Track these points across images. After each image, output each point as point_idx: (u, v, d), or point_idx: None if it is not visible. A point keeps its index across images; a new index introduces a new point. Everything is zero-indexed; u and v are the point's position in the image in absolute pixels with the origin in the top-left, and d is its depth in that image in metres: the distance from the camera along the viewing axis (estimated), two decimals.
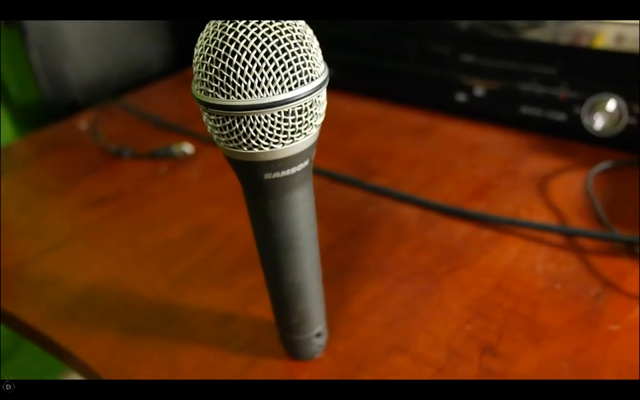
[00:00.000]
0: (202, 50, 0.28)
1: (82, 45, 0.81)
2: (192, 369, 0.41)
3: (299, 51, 0.28)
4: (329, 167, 0.61)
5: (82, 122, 0.75)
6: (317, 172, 0.61)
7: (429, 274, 0.47)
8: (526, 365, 0.38)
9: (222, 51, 0.27)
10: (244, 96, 0.27)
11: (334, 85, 0.79)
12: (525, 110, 0.63)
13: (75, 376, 0.44)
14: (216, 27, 0.28)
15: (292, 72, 0.27)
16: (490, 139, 0.64)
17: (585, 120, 0.59)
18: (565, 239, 0.49)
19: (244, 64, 0.27)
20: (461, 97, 0.67)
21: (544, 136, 0.63)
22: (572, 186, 0.55)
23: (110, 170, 0.66)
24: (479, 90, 0.65)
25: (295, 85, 0.28)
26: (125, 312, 0.46)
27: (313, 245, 0.36)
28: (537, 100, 0.62)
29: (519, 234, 0.50)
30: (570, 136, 0.61)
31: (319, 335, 0.40)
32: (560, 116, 0.61)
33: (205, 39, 0.28)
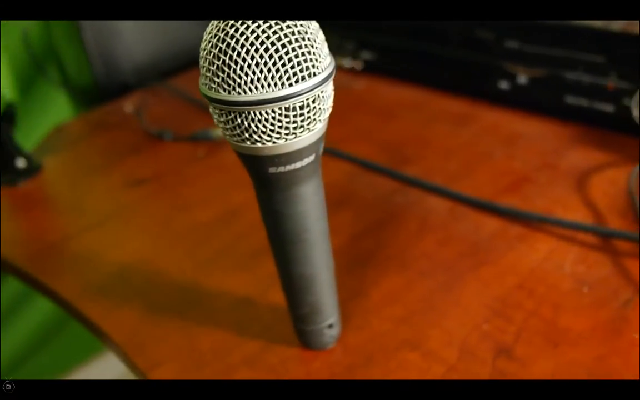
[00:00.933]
0: (206, 45, 0.29)
1: (134, 28, 0.84)
2: (209, 350, 0.42)
3: (300, 46, 0.28)
4: (362, 153, 0.61)
5: (128, 105, 0.78)
6: (349, 158, 0.61)
7: (451, 269, 0.46)
8: (540, 370, 0.37)
9: (224, 47, 0.27)
10: (244, 92, 0.27)
11: (375, 69, 0.78)
12: (570, 99, 0.60)
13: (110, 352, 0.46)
14: (220, 23, 0.28)
15: (292, 67, 0.27)
16: (532, 129, 0.62)
17: (635, 112, 0.55)
18: (599, 239, 0.47)
19: (244, 60, 0.27)
20: (504, 84, 0.65)
21: (589, 128, 0.60)
22: (614, 183, 0.52)
23: (151, 151, 0.68)
24: (523, 78, 0.63)
25: (296, 81, 0.28)
26: (152, 291, 0.48)
27: (323, 237, 0.37)
28: (584, 90, 0.59)
29: (550, 232, 0.48)
30: (617, 129, 0.58)
31: (330, 326, 0.40)
32: (608, 107, 0.57)
33: (209, 34, 0.29)
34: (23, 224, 0.61)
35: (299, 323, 0.40)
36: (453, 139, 0.62)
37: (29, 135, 0.83)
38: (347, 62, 0.79)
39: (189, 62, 0.91)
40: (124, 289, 0.49)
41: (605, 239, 0.46)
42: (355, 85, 0.77)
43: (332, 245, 0.49)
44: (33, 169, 0.66)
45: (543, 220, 0.49)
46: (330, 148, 0.62)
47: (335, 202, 0.55)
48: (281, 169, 0.31)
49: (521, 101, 0.64)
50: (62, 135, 0.77)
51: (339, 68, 0.81)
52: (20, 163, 0.65)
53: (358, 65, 0.78)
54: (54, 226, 0.58)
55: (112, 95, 0.84)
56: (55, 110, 0.93)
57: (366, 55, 0.77)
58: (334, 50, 0.80)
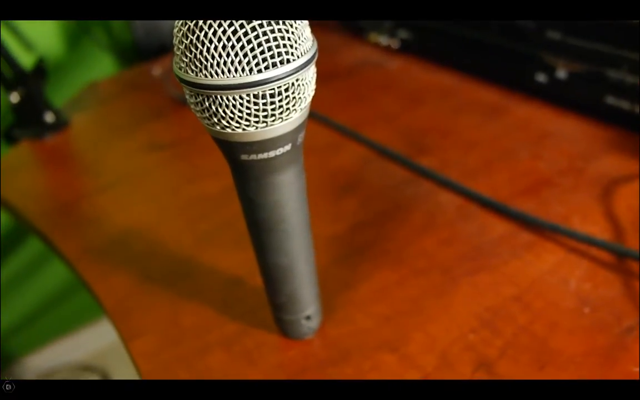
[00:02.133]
0: (178, 21, 0.27)
1: None
2: (189, 326, 0.42)
3: (272, 30, 0.26)
4: (381, 138, 0.59)
5: (156, 68, 0.78)
6: (365, 142, 0.59)
7: (447, 271, 0.44)
8: None
9: (192, 25, 0.26)
10: (211, 75, 0.26)
11: (411, 50, 0.75)
12: (611, 100, 0.55)
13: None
14: None
15: (262, 53, 0.25)
16: (565, 127, 0.58)
17: None
18: (613, 257, 0.43)
19: (210, 41, 0.26)
20: (541, 77, 0.60)
21: (627, 132, 0.55)
22: None
23: (173, 117, 0.68)
24: (562, 72, 0.58)
25: (266, 67, 0.26)
26: (149, 259, 0.49)
27: (302, 228, 0.35)
28: (626, 91, 0.54)
29: (561, 243, 0.45)
30: None
31: (308, 317, 0.39)
32: None
33: None
34: (42, 179, 0.63)
35: (277, 311, 0.39)
36: (478, 131, 0.59)
37: (70, 91, 0.85)
38: (384, 40, 0.76)
39: None
40: (123, 255, 0.49)
41: (619, 257, 0.43)
42: (389, 64, 0.74)
43: (330, 232, 0.49)
44: (60, 124, 0.68)
45: (555, 229, 0.45)
46: (348, 129, 0.60)
47: (342, 186, 0.54)
48: (253, 156, 0.30)
49: (558, 97, 0.60)
50: (93, 92, 0.79)
51: (375, 45, 0.78)
52: (49, 117, 0.67)
53: (394, 43, 0.76)
54: (70, 184, 0.60)
55: (150, 55, 0.85)
56: (96, 67, 0.95)
57: (403, 34, 0.74)
58: (371, 26, 0.78)
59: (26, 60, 0.70)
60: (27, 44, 0.72)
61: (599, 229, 0.46)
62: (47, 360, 1.33)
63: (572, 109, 0.59)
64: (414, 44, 0.73)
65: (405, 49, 0.75)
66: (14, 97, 0.66)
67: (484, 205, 0.49)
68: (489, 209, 0.49)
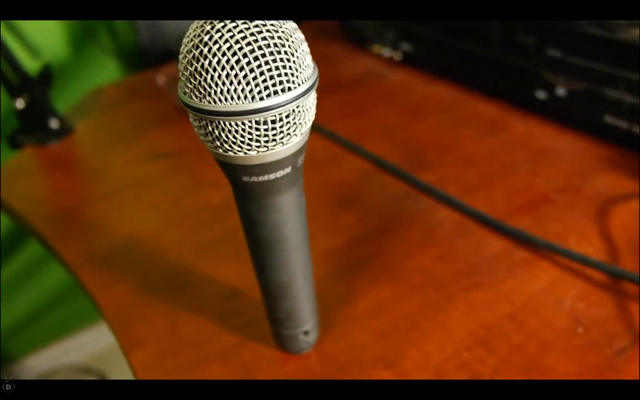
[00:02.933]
0: (183, 47, 0.28)
1: None
2: (188, 338, 0.43)
3: (274, 60, 0.26)
4: (381, 151, 0.59)
5: (160, 77, 0.79)
6: (365, 155, 0.59)
7: (443, 288, 0.44)
8: None
9: (197, 53, 0.27)
10: (214, 101, 0.27)
11: (413, 62, 0.76)
12: (609, 119, 0.56)
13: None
14: (198, 26, 0.28)
15: (264, 81, 0.26)
16: (563, 145, 0.58)
17: None
18: (607, 278, 0.44)
19: (214, 69, 0.26)
20: (541, 94, 0.61)
21: (624, 151, 0.56)
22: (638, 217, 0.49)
23: (177, 126, 0.69)
24: (561, 90, 0.59)
25: (268, 95, 0.27)
26: (150, 269, 0.50)
27: (301, 247, 0.36)
28: (625, 110, 0.55)
29: (556, 262, 0.46)
30: None
31: (306, 333, 0.40)
32: None
33: (187, 37, 0.28)
34: (45, 185, 0.64)
35: (275, 326, 0.40)
36: (478, 146, 0.60)
37: (74, 96, 0.86)
38: (387, 52, 0.77)
39: None
40: (124, 263, 0.50)
41: (612, 278, 0.44)
42: (392, 77, 0.75)
43: (327, 246, 0.49)
44: (65, 131, 0.69)
45: (551, 248, 0.46)
46: (349, 141, 0.61)
47: (341, 200, 0.54)
48: (254, 178, 0.30)
49: (557, 114, 0.61)
50: (98, 98, 0.79)
51: (377, 57, 0.79)
52: (53, 124, 0.68)
53: (397, 55, 0.76)
54: (73, 190, 0.61)
55: (155, 62, 0.85)
56: (101, 73, 0.96)
57: (406, 46, 0.75)
58: (374, 38, 0.78)
59: (30, 65, 0.71)
60: (33, 51, 0.73)
61: (594, 249, 0.46)
62: (45, 362, 1.33)
63: (571, 126, 0.60)
64: (416, 56, 0.74)
65: (408, 61, 0.75)
66: (19, 103, 0.66)
67: (480, 221, 0.50)
68: (487, 226, 0.49)
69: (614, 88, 0.55)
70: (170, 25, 0.86)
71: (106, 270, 0.50)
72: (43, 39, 0.86)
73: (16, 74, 0.66)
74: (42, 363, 1.33)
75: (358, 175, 0.57)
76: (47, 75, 0.67)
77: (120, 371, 1.35)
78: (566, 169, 0.55)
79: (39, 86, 0.66)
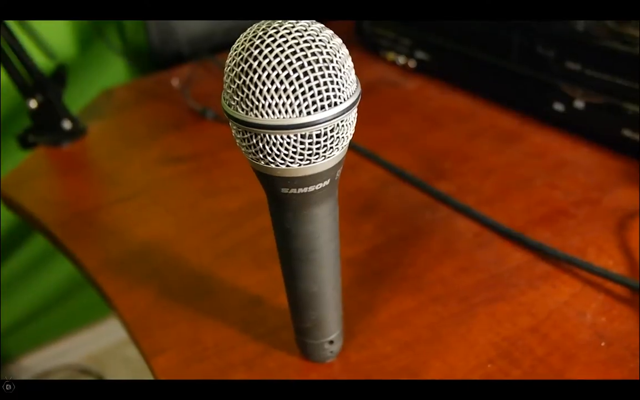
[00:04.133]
0: (230, 61, 0.28)
1: None
2: (211, 345, 0.43)
3: (322, 75, 0.27)
4: (398, 161, 0.59)
5: (174, 79, 0.79)
6: (383, 164, 0.59)
7: (465, 299, 0.45)
8: None
9: (246, 67, 0.27)
10: (261, 115, 0.27)
11: (428, 71, 0.76)
12: (628, 132, 0.56)
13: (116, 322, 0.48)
14: (246, 39, 0.27)
15: (312, 96, 0.27)
16: (581, 157, 0.58)
17: None
18: (628, 292, 0.44)
19: (264, 83, 0.26)
20: (559, 106, 0.61)
21: None
22: None
23: (192, 129, 0.69)
24: (580, 102, 0.59)
25: (315, 110, 0.27)
26: (168, 274, 0.49)
27: (332, 257, 0.36)
28: None
29: (577, 275, 0.46)
30: None
31: (331, 342, 0.40)
32: None
33: (234, 50, 0.28)
34: (59, 186, 0.64)
35: (301, 335, 0.40)
36: (495, 157, 0.60)
37: (82, 97, 0.85)
38: (401, 59, 0.77)
39: None
40: (142, 268, 0.50)
41: (633, 292, 0.44)
42: (406, 84, 0.75)
43: (348, 255, 0.49)
44: (78, 132, 0.68)
45: (571, 261, 0.46)
46: (367, 150, 0.61)
47: (360, 208, 0.54)
48: (293, 190, 0.30)
49: (574, 126, 0.61)
50: (110, 99, 0.79)
51: (392, 64, 0.79)
52: (66, 125, 0.67)
53: (411, 63, 0.76)
54: (88, 193, 0.60)
55: (165, 63, 0.85)
56: (110, 73, 0.95)
57: (420, 54, 0.75)
58: (389, 45, 0.78)
59: (42, 63, 0.70)
60: (48, 51, 0.72)
61: (614, 262, 0.46)
62: (42, 362, 1.32)
63: (588, 139, 0.60)
64: (431, 65, 0.74)
65: (422, 69, 0.76)
66: (32, 103, 0.66)
67: (500, 233, 0.50)
68: (506, 238, 0.50)
69: (632, 102, 0.55)
70: (181, 27, 0.86)
71: (124, 275, 0.49)
72: (49, 37, 0.85)
73: (30, 74, 0.66)
74: (38, 363, 1.33)
75: (376, 184, 0.57)
76: (61, 75, 0.67)
77: (117, 372, 1.36)
78: (584, 181, 0.55)
79: (53, 86, 0.66)
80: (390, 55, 0.78)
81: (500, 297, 0.44)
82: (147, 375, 0.43)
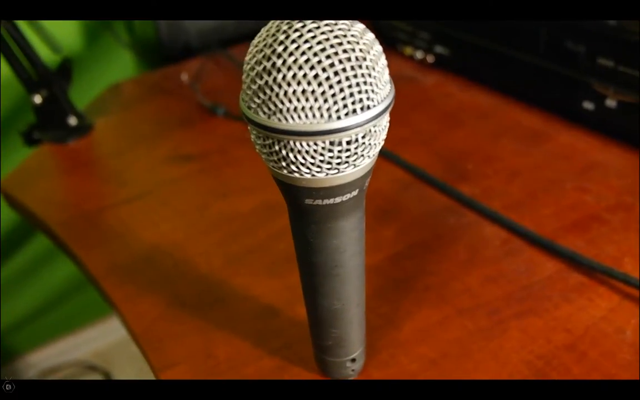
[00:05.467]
0: (250, 58, 0.25)
1: None
2: (224, 359, 0.40)
3: (355, 75, 0.24)
4: (419, 161, 0.56)
5: (184, 74, 0.76)
6: (403, 165, 0.56)
7: (494, 313, 0.42)
8: None
9: (268, 65, 0.24)
10: (285, 119, 0.24)
11: (447, 66, 0.73)
12: None
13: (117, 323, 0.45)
14: (268, 34, 0.24)
15: (343, 99, 0.24)
16: (612, 159, 0.55)
17: None
18: None
19: (289, 84, 0.23)
20: (589, 104, 0.58)
21: None
22: None
23: (201, 126, 0.66)
24: (611, 101, 0.56)
25: (346, 114, 0.24)
26: (178, 281, 0.47)
27: (357, 273, 0.33)
28: None
29: (614, 287, 0.43)
30: None
31: (353, 360, 0.37)
32: None
33: (255, 46, 0.25)
34: (64, 185, 0.61)
35: (320, 352, 0.37)
36: (521, 158, 0.57)
37: (89, 92, 0.83)
38: (420, 54, 0.74)
39: (253, 31, 0.88)
40: (150, 274, 0.47)
41: None
42: (424, 80, 0.72)
43: (368, 262, 0.46)
44: (84, 128, 0.66)
45: (608, 272, 0.43)
46: (385, 150, 0.58)
47: (380, 212, 0.52)
48: (318, 201, 0.27)
49: (605, 126, 0.58)
50: (117, 94, 0.76)
51: (409, 58, 0.76)
52: (72, 121, 0.65)
53: (430, 58, 0.73)
54: (94, 193, 0.58)
55: (174, 57, 0.82)
56: (117, 67, 0.93)
57: (440, 49, 0.72)
58: (406, 39, 0.75)
59: (47, 57, 0.68)
60: (53, 45, 0.70)
61: None
62: (49, 358, 1.31)
63: (620, 139, 0.57)
64: (451, 59, 0.71)
65: (441, 64, 0.72)
66: (37, 99, 0.63)
67: (530, 241, 0.47)
68: (536, 246, 0.47)
69: None
70: (192, 20, 0.83)
71: (131, 282, 0.47)
72: (57, 31, 0.83)
73: (34, 69, 0.63)
74: (45, 359, 1.31)
75: (396, 186, 0.54)
76: (66, 69, 0.64)
77: (124, 369, 1.34)
78: (616, 185, 0.52)
79: (58, 81, 0.63)
80: (408, 50, 0.75)
81: (532, 311, 0.42)
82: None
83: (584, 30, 0.57)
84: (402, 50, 0.76)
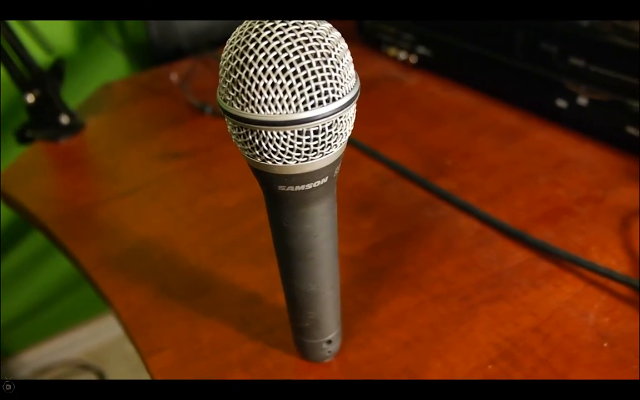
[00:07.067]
0: (226, 55, 0.27)
1: None
2: (208, 344, 0.42)
3: (320, 70, 0.26)
4: (399, 157, 0.59)
5: (173, 74, 0.78)
6: (383, 160, 0.59)
7: (466, 298, 0.44)
8: None
9: (241, 61, 0.26)
10: (257, 111, 0.26)
11: (429, 66, 0.75)
12: (631, 130, 0.55)
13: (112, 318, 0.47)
14: (242, 32, 0.27)
15: (309, 91, 0.26)
16: (584, 155, 0.58)
17: None
18: (631, 292, 0.43)
19: (260, 78, 0.25)
20: (562, 102, 0.61)
21: None
22: None
23: (190, 125, 0.68)
24: (583, 99, 0.59)
25: (312, 106, 0.26)
26: (166, 272, 0.49)
27: (330, 256, 0.35)
28: None
29: (579, 274, 0.45)
30: None
31: (329, 342, 0.39)
32: None
33: (229, 44, 0.27)
34: (57, 182, 0.63)
35: (298, 335, 0.39)
36: (497, 154, 0.59)
37: (81, 91, 0.85)
38: (403, 55, 0.76)
39: None
40: (140, 265, 0.49)
41: (637, 292, 0.43)
42: (407, 80, 0.74)
43: (348, 252, 0.49)
44: (76, 127, 0.68)
45: (574, 260, 0.46)
46: (367, 147, 0.60)
47: (360, 205, 0.54)
48: (290, 188, 0.30)
49: (577, 123, 0.60)
50: (108, 94, 0.78)
51: (393, 59, 0.78)
52: (64, 119, 0.67)
53: (413, 59, 0.76)
54: (86, 189, 0.60)
55: (165, 58, 0.85)
56: (109, 68, 0.95)
57: (422, 50, 0.74)
58: (390, 40, 0.78)
59: (40, 57, 0.70)
60: (45, 45, 0.72)
61: (617, 262, 0.46)
62: (42, 357, 1.32)
63: (592, 136, 0.59)
64: (433, 60, 0.74)
65: (423, 65, 0.75)
66: (30, 98, 0.65)
67: (502, 231, 0.49)
68: (508, 236, 0.49)
69: (636, 99, 0.54)
70: (181, 22, 0.85)
71: (121, 273, 0.49)
72: (49, 32, 0.85)
73: (27, 68, 0.65)
74: (38, 358, 1.33)
75: (376, 180, 0.57)
76: (59, 69, 0.66)
77: (117, 368, 1.35)
78: (587, 179, 0.55)
79: (50, 80, 0.65)
80: (392, 51, 0.78)
81: (501, 297, 0.44)
82: (147, 372, 0.43)
83: (557, 31, 0.59)
84: (386, 51, 0.79)
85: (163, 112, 0.72)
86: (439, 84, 0.73)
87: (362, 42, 0.81)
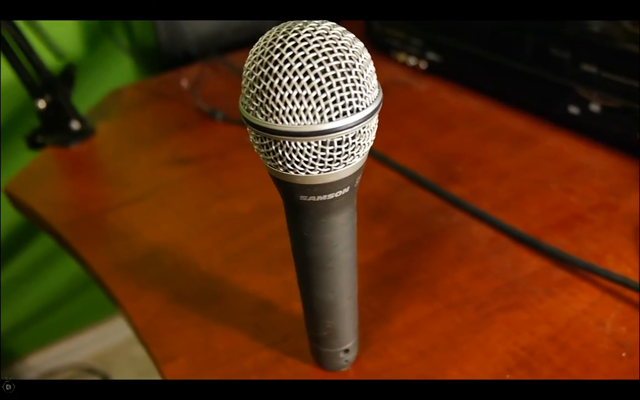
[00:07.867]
0: (249, 65, 0.27)
1: None
2: (223, 351, 0.42)
3: (345, 81, 0.26)
4: (410, 164, 0.59)
5: (183, 80, 0.78)
6: (395, 167, 0.58)
7: (481, 307, 0.44)
8: None
9: (266, 72, 0.26)
10: (282, 121, 0.26)
11: (439, 72, 0.75)
12: None
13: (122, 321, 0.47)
14: (266, 43, 0.27)
15: (334, 102, 0.26)
16: (596, 161, 0.57)
17: None
18: None
19: (284, 89, 0.25)
20: (574, 109, 0.60)
21: None
22: None
23: (201, 130, 0.68)
24: (595, 105, 0.58)
25: (337, 116, 0.26)
26: (178, 278, 0.49)
27: (349, 266, 0.35)
28: None
29: (595, 282, 0.45)
30: None
31: (346, 351, 0.39)
32: None
33: (253, 54, 0.27)
34: (68, 187, 0.63)
35: (315, 343, 0.39)
36: (509, 160, 0.59)
37: (91, 96, 0.85)
38: (412, 60, 0.76)
39: (250, 38, 0.90)
40: (152, 272, 0.49)
41: None
42: (417, 86, 0.74)
43: (361, 260, 0.48)
44: (86, 132, 0.68)
45: (589, 269, 0.45)
46: (379, 153, 0.60)
47: (372, 212, 0.54)
48: (312, 198, 0.30)
49: (589, 130, 0.60)
50: (118, 99, 0.78)
51: (402, 65, 0.78)
52: (75, 125, 0.67)
53: (422, 64, 0.75)
54: (97, 195, 0.60)
55: (173, 63, 0.85)
56: (118, 73, 0.95)
57: (432, 55, 0.74)
58: (399, 46, 0.77)
59: (50, 63, 0.70)
60: (56, 51, 0.72)
61: (632, 269, 0.46)
62: (48, 361, 1.33)
63: (604, 142, 0.59)
64: (442, 66, 0.73)
65: (433, 70, 0.75)
66: (41, 104, 0.65)
67: (516, 239, 0.49)
68: (522, 243, 0.49)
69: None
70: (189, 26, 0.85)
71: (133, 279, 0.49)
72: (60, 38, 0.85)
73: (38, 74, 0.65)
74: (44, 362, 1.33)
75: (388, 187, 0.57)
76: (69, 75, 0.66)
77: (123, 371, 1.35)
78: (600, 186, 0.54)
79: (61, 86, 0.65)
80: (401, 56, 0.77)
81: (517, 305, 0.44)
82: (153, 375, 0.42)
83: (568, 37, 0.59)
84: (395, 57, 0.79)
85: (173, 117, 0.72)
86: (449, 90, 0.72)
87: (371, 48, 0.81)
